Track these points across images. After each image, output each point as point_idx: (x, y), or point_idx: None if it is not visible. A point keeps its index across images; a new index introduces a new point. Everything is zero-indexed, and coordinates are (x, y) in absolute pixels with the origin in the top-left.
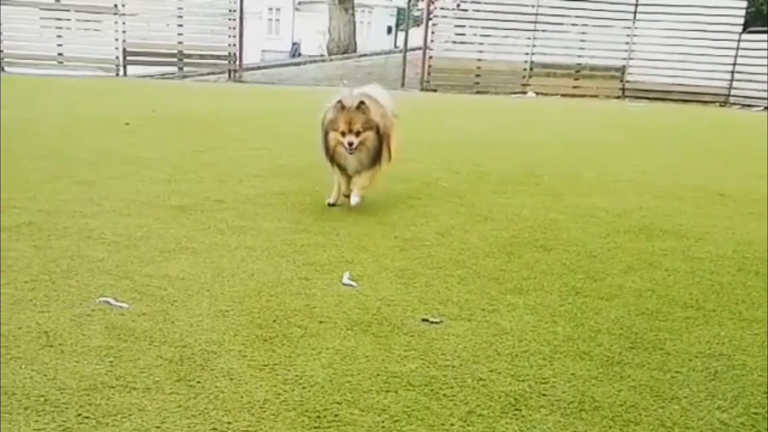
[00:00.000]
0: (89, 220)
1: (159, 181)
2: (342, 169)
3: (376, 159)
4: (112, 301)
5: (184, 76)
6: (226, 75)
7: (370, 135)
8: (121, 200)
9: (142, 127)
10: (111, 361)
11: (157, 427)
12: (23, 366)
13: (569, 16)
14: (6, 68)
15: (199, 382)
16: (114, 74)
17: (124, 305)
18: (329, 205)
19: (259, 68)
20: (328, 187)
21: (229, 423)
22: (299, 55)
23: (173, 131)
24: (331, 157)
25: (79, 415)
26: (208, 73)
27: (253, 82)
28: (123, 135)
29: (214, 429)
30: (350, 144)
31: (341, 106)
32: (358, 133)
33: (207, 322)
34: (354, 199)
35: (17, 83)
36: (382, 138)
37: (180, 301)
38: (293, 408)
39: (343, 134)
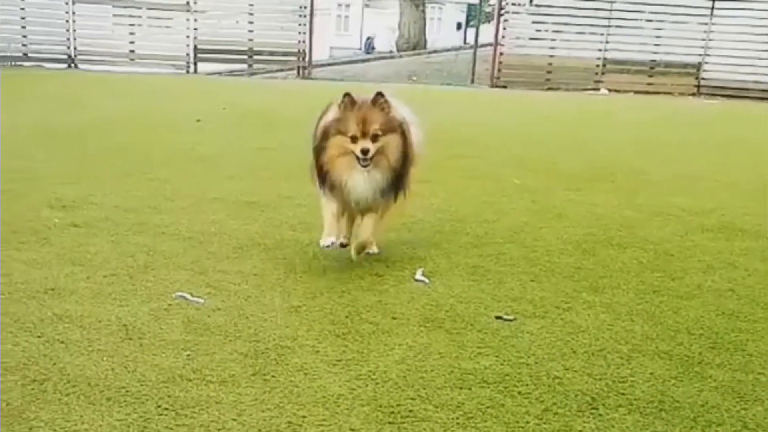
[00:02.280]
0: (164, 216)
1: (230, 178)
2: (344, 199)
3: (399, 181)
4: (188, 296)
5: (253, 73)
6: (295, 72)
7: (393, 140)
8: (193, 197)
9: (212, 124)
10: (188, 355)
11: (234, 420)
12: (104, 358)
13: (644, 11)
14: (79, 65)
15: (273, 376)
16: (185, 71)
17: (200, 300)
18: (326, 247)
19: (328, 65)
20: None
21: (303, 417)
22: (373, 49)
23: (244, 128)
24: (328, 178)
25: (159, 406)
26: (277, 70)
27: (322, 79)
28: (194, 132)
29: (290, 423)
30: (364, 153)
31: (350, 101)
32: (375, 137)
33: (280, 317)
34: (369, 249)
35: (90, 80)
36: (408, 146)
37: (254, 297)
38: (367, 403)
39: (354, 140)
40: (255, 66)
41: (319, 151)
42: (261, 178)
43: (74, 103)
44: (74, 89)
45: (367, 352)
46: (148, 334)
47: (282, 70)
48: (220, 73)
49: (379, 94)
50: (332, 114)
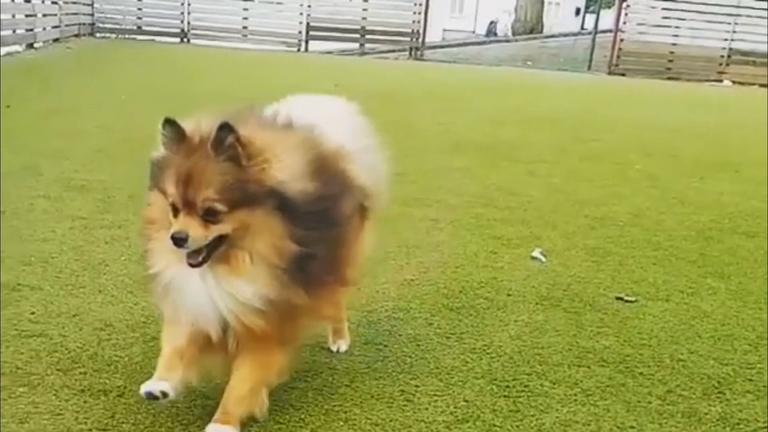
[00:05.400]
0: None
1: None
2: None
3: (305, 273)
4: None
5: (364, 53)
6: (407, 53)
7: (258, 220)
8: None
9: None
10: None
11: (347, 386)
12: None
13: None
14: (192, 40)
15: (386, 345)
16: (296, 49)
17: None
18: (147, 396)
19: (440, 47)
20: (505, 168)
21: (416, 387)
22: (495, 34)
23: (356, 105)
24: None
25: None
26: (389, 51)
27: (434, 61)
28: None
29: (402, 391)
30: (178, 242)
31: (177, 134)
32: (211, 214)
33: (393, 290)
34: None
35: (203, 55)
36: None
37: (366, 270)
38: (481, 376)
39: (175, 211)
40: (366, 46)
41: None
42: None
43: (187, 76)
44: (187, 63)
45: (481, 326)
46: None
47: (393, 51)
48: (331, 52)
49: (225, 129)
50: (157, 155)
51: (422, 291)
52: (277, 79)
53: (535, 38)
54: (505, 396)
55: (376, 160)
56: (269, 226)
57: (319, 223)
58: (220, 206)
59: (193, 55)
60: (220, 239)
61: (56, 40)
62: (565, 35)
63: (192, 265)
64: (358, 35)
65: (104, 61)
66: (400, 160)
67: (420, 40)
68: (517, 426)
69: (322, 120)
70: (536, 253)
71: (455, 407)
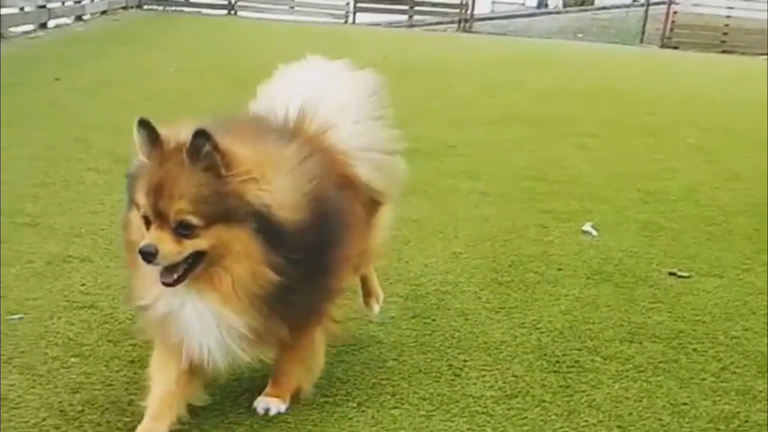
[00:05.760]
0: None
1: (390, 124)
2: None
3: (287, 305)
4: None
5: (412, 26)
6: (455, 25)
7: (237, 238)
8: None
9: (372, 73)
10: (348, 295)
11: (394, 359)
12: None
13: None
14: (239, 12)
15: (434, 319)
16: (343, 21)
17: None
18: None
19: (489, 19)
20: (558, 136)
21: (465, 361)
22: (546, 6)
23: (404, 78)
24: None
25: None
26: (437, 23)
27: (483, 33)
28: None
29: (450, 365)
30: (147, 257)
31: (151, 138)
32: (183, 227)
33: (441, 263)
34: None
35: (250, 27)
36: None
37: (414, 242)
38: (531, 351)
39: (147, 223)
40: (415, 18)
41: (127, 237)
42: (423, 126)
43: (234, 49)
44: (234, 36)
45: (531, 301)
46: None
47: (442, 23)
48: (378, 25)
49: (201, 136)
50: (134, 166)
51: (471, 265)
52: (324, 51)
53: (586, 10)
54: (555, 371)
55: (382, 139)
56: (248, 248)
57: (306, 257)
58: (194, 220)
59: (240, 27)
60: (198, 257)
61: (104, 12)
62: (617, 7)
63: (166, 284)
64: (406, 7)
65: (151, 33)
66: (449, 132)
67: (469, 12)
68: (568, 401)
69: (322, 93)
70: (587, 227)
71: (504, 382)
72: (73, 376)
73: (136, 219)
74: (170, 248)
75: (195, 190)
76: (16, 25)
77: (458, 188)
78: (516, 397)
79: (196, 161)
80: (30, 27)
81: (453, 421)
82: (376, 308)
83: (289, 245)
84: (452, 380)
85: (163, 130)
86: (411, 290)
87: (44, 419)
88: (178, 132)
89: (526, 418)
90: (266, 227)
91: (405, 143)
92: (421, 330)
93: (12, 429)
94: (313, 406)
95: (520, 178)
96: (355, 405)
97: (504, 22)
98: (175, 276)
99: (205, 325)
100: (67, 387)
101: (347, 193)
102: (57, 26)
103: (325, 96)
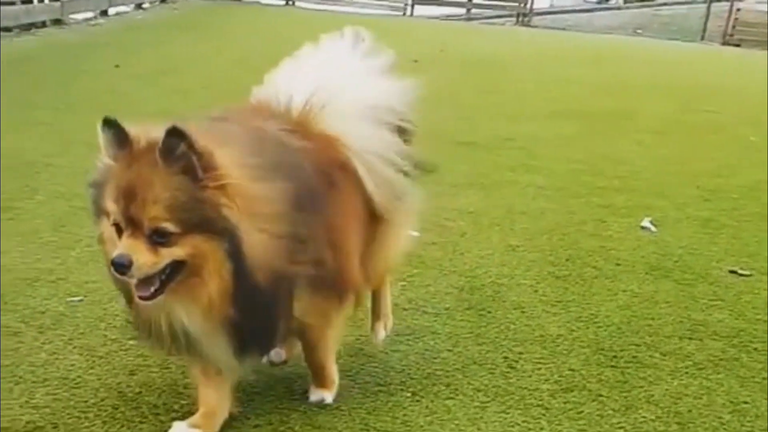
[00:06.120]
0: None
1: (447, 118)
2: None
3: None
4: None
5: (470, 19)
6: (514, 19)
7: (213, 250)
8: None
9: (430, 66)
10: (403, 286)
11: (449, 350)
12: None
13: None
14: (297, 3)
15: (489, 311)
16: (401, 14)
17: (415, 234)
18: None
19: (548, 13)
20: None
21: (520, 353)
22: (606, 1)
23: (462, 71)
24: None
25: None
26: (495, 17)
27: (542, 27)
28: (411, 72)
29: (506, 357)
30: (120, 265)
31: (119, 138)
32: (158, 235)
33: (497, 256)
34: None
35: (307, 18)
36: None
37: (470, 234)
38: (587, 345)
39: (118, 231)
40: (473, 11)
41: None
42: (480, 119)
43: (290, 39)
44: (291, 26)
45: (588, 295)
46: None
47: (500, 17)
48: (436, 18)
49: (174, 134)
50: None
51: (528, 258)
52: (382, 42)
53: (647, 6)
54: (612, 366)
55: (395, 152)
56: (220, 269)
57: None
58: (171, 227)
59: (297, 18)
60: (176, 267)
61: (163, 1)
62: (679, 3)
63: (143, 299)
64: (465, 0)
65: (210, 22)
66: (507, 126)
67: (528, 6)
68: (625, 396)
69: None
70: (646, 223)
71: (560, 376)
72: (131, 359)
73: (107, 230)
74: (145, 258)
75: (170, 194)
76: (78, 12)
77: (515, 181)
78: (572, 390)
79: (170, 162)
80: (91, 14)
81: (508, 413)
82: (381, 335)
83: (247, 289)
84: (507, 372)
85: (132, 129)
86: (466, 282)
87: (103, 399)
88: (148, 131)
89: (582, 412)
90: (235, 256)
91: (460, 137)
92: (476, 321)
93: (72, 408)
94: (367, 395)
95: (577, 173)
96: (409, 394)
97: (563, 16)
98: (152, 289)
99: (192, 323)
100: (125, 369)
101: (337, 193)
102: (117, 14)
103: (333, 84)
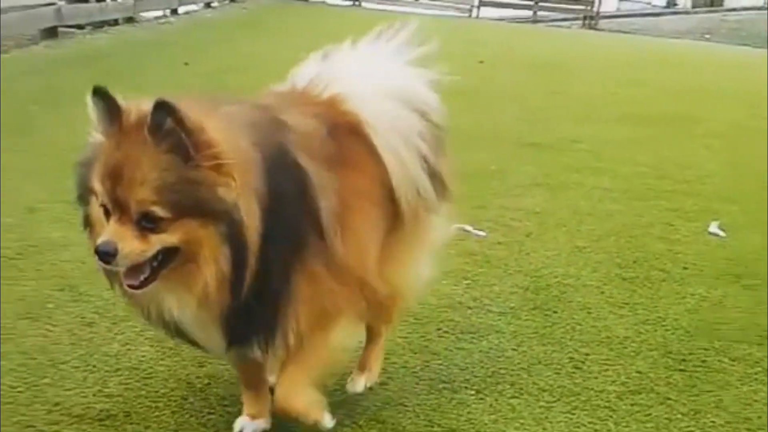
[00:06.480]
0: None
1: (512, 119)
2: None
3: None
4: (470, 229)
5: (536, 21)
6: (580, 22)
7: (209, 237)
8: (474, 134)
9: (495, 67)
10: (468, 284)
11: (514, 349)
12: None
13: None
14: (363, 3)
15: (555, 312)
16: (467, 15)
17: (482, 233)
18: None
19: (615, 17)
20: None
21: (586, 354)
22: (674, 5)
23: (528, 72)
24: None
25: (439, 329)
26: (561, 19)
27: (609, 31)
28: (477, 72)
29: (571, 358)
30: (105, 254)
31: (109, 110)
32: (151, 220)
33: (563, 256)
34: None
35: (374, 18)
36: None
37: (535, 234)
38: (655, 348)
39: (106, 215)
40: (539, 14)
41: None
42: (546, 121)
43: (356, 38)
44: (359, 26)
45: (656, 298)
46: None
47: (566, 19)
48: (502, 19)
49: (162, 109)
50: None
51: (594, 259)
52: (447, 42)
53: (715, 11)
54: (680, 370)
55: (424, 146)
56: (216, 255)
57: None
58: (160, 211)
59: (363, 18)
60: (168, 254)
61: (233, 0)
62: (748, 9)
63: (132, 287)
64: (531, 2)
65: (277, 22)
66: (573, 128)
67: (595, 9)
68: (694, 401)
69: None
70: (714, 228)
71: (627, 378)
72: (200, 351)
73: (95, 211)
74: (132, 246)
75: (158, 174)
76: (149, 10)
77: (581, 183)
78: (640, 393)
79: (159, 140)
80: (161, 12)
81: (574, 414)
82: (359, 387)
83: (244, 271)
84: (573, 373)
85: (124, 102)
86: (532, 281)
87: (173, 390)
88: (141, 103)
89: (650, 415)
90: (233, 238)
91: (525, 137)
92: (542, 321)
93: (143, 397)
94: (431, 392)
95: (644, 176)
96: (473, 392)
97: (630, 20)
98: (142, 277)
99: (186, 311)
100: (194, 360)
101: (351, 174)
102: (187, 12)
103: (360, 71)
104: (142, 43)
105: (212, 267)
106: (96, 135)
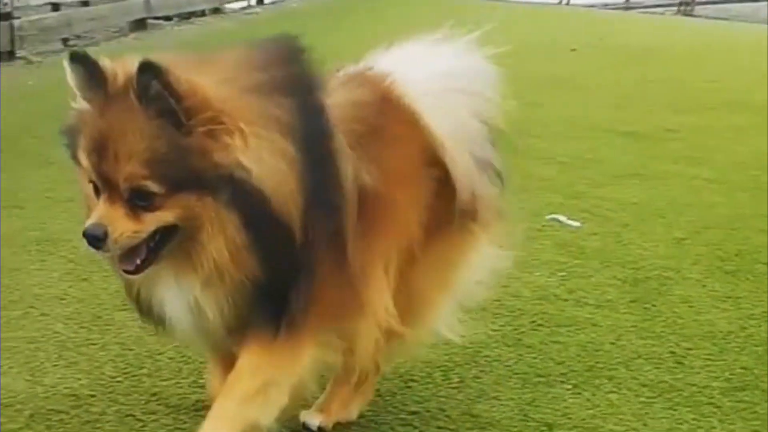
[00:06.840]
0: (537, 140)
1: (607, 107)
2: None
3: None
4: (563, 219)
5: (629, 8)
6: (674, 8)
7: (207, 212)
8: (568, 123)
9: (588, 55)
10: (563, 276)
11: (611, 343)
12: None
13: None
14: None
15: (654, 305)
16: (558, 2)
17: (576, 224)
18: None
19: (712, 3)
20: None
21: (688, 349)
22: None
23: (621, 60)
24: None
25: (533, 321)
26: (655, 6)
27: (705, 17)
28: (569, 60)
29: (672, 353)
30: (93, 237)
31: (92, 75)
32: (143, 197)
33: (662, 248)
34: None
35: (462, 7)
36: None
37: (632, 225)
38: (760, 343)
39: (96, 191)
40: (631, 0)
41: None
42: (641, 109)
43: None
44: (443, 14)
45: (760, 292)
46: (522, 253)
47: (660, 6)
48: (593, 6)
49: (147, 70)
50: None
51: (694, 251)
52: (539, 31)
53: None
54: None
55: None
56: (222, 224)
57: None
58: (153, 186)
59: (452, 7)
60: (167, 233)
61: None
62: None
63: (127, 272)
64: None
65: (365, 10)
66: (669, 116)
67: None
68: None
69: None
70: None
71: (731, 373)
72: None
73: (86, 186)
74: (124, 227)
75: (147, 144)
76: (235, 1)
77: (679, 173)
78: (745, 389)
79: (146, 105)
80: (245, 3)
81: (676, 410)
82: (353, 414)
83: (272, 229)
84: (674, 368)
85: (110, 65)
86: (629, 274)
87: None
88: (127, 64)
89: (756, 412)
90: (243, 199)
91: (620, 126)
92: (641, 315)
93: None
94: (526, 385)
95: (745, 167)
96: (570, 386)
97: (727, 6)
98: (138, 261)
99: (186, 315)
100: None
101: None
102: (273, 2)
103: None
104: (229, 33)
105: (219, 240)
106: (80, 102)
